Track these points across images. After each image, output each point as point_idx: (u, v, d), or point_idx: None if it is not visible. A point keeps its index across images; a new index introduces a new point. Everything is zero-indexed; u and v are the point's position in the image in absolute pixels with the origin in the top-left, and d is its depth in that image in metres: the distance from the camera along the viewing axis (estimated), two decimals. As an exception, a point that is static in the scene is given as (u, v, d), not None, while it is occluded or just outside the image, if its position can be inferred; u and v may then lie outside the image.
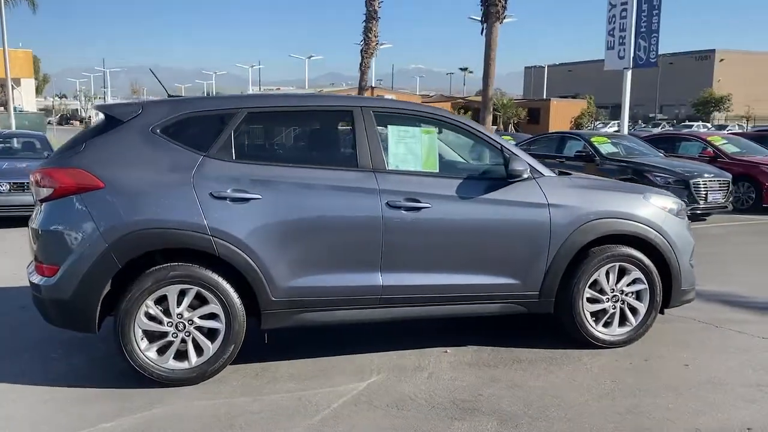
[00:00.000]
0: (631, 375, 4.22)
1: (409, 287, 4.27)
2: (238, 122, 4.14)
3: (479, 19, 17.74)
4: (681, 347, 4.72)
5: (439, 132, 4.64)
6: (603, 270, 4.58)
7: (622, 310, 4.68)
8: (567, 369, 4.32)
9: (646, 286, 4.67)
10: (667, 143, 14.45)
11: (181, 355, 4.01)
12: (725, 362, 4.45)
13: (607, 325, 4.67)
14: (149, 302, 3.90)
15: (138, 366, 3.90)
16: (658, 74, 53.73)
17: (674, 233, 4.72)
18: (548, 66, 76.38)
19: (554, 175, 4.63)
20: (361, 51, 25.27)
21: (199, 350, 4.01)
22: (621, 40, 18.27)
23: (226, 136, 4.09)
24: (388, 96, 40.20)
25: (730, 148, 13.59)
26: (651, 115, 60.20)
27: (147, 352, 3.93)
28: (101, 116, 4.28)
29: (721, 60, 75.03)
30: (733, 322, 5.29)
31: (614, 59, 18.64)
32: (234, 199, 3.97)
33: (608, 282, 4.62)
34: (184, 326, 3.97)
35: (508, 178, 4.39)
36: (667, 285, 4.73)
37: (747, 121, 52.94)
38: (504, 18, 18.25)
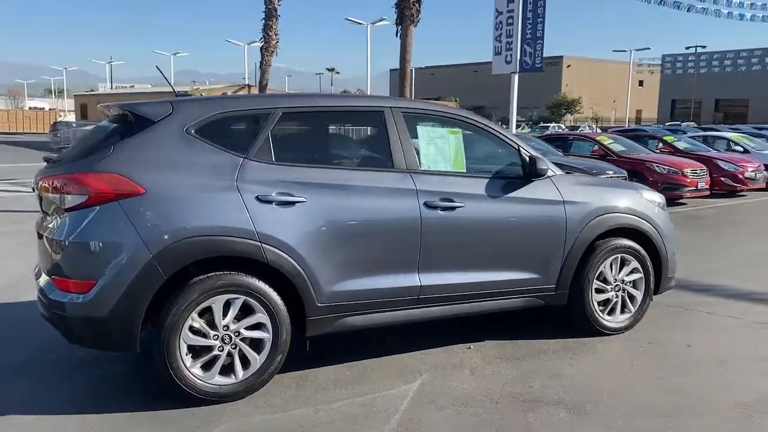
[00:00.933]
0: (647, 358, 4.54)
1: (445, 286, 4.31)
2: (274, 122, 3.97)
3: (360, 22, 17.99)
4: (671, 330, 5.14)
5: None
6: (608, 261, 4.88)
7: (622, 299, 5.02)
8: (588, 357, 4.56)
9: (642, 275, 5.04)
10: (560, 142, 15.45)
11: (224, 369, 3.78)
12: (715, 341, 4.91)
13: (611, 313, 4.98)
14: (194, 315, 3.65)
15: (185, 384, 3.63)
16: (516, 79, 57.09)
17: (663, 225, 5.14)
18: (414, 69, 78.56)
19: (564, 173, 4.87)
20: (261, 49, 24.84)
21: (245, 363, 3.80)
22: (508, 46, 19.28)
23: (264, 137, 3.91)
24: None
25: (617, 147, 14.81)
26: (509, 117, 63.87)
27: (192, 368, 3.67)
28: (121, 115, 3.94)
29: (568, 66, 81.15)
30: (698, 305, 5.83)
31: (501, 64, 19.63)
32: (280, 203, 3.81)
33: (611, 272, 4.93)
34: (230, 338, 3.74)
35: (531, 177, 4.56)
36: (656, 273, 5.13)
37: (596, 122, 57.74)
38: (418, 21, 18.65)
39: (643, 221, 4.99)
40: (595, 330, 4.91)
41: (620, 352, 4.67)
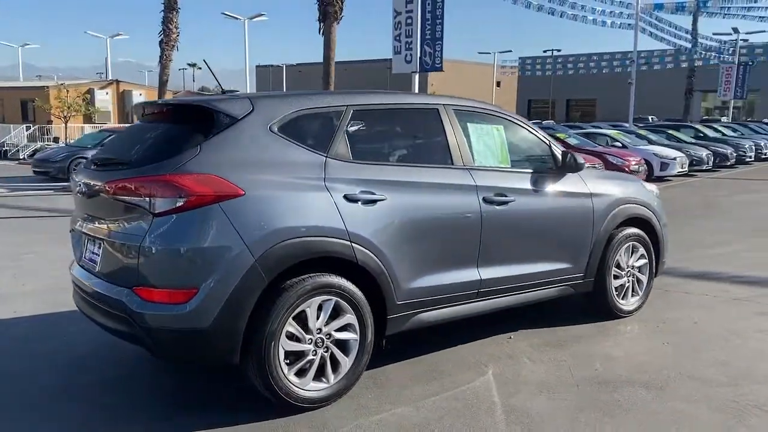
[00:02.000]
0: (670, 336, 4.92)
1: (500, 279, 4.44)
2: (348, 120, 3.89)
3: (237, 17, 17.41)
4: (669, 310, 5.59)
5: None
6: (623, 249, 5.24)
7: (632, 283, 5.41)
8: (621, 339, 4.87)
9: (647, 260, 5.46)
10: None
11: (315, 374, 3.65)
12: (713, 317, 5.40)
13: (624, 297, 5.35)
14: (290, 320, 3.50)
15: (284, 393, 3.47)
16: (387, 79, 58.36)
17: (661, 213, 5.60)
18: (285, 66, 77.57)
19: (587, 167, 5.16)
20: (161, 43, 23.32)
21: (335, 366, 3.70)
22: (407, 46, 19.66)
23: (340, 135, 3.83)
24: (137, 92, 37.59)
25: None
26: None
27: (289, 375, 3.52)
28: (190, 112, 3.67)
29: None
30: (673, 286, 6.37)
31: (401, 63, 19.96)
32: (365, 202, 3.74)
33: (624, 259, 5.29)
34: (323, 341, 3.63)
35: (566, 171, 4.80)
36: (655, 258, 5.57)
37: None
38: (341, 18, 18.49)
39: (649, 211, 5.41)
40: (612, 314, 5.25)
41: (644, 332, 5.03)
